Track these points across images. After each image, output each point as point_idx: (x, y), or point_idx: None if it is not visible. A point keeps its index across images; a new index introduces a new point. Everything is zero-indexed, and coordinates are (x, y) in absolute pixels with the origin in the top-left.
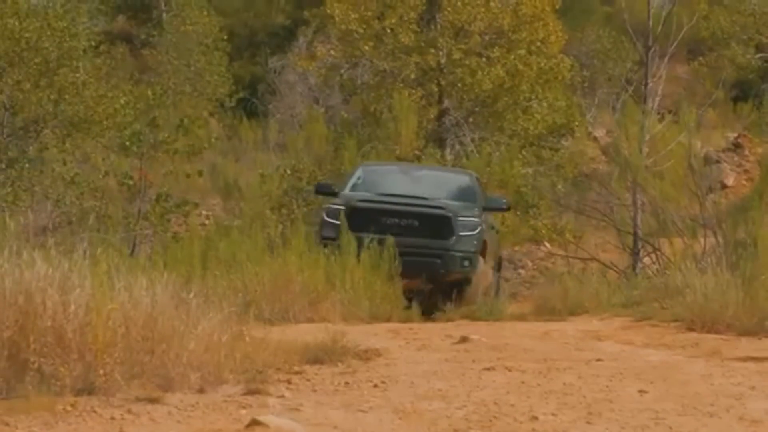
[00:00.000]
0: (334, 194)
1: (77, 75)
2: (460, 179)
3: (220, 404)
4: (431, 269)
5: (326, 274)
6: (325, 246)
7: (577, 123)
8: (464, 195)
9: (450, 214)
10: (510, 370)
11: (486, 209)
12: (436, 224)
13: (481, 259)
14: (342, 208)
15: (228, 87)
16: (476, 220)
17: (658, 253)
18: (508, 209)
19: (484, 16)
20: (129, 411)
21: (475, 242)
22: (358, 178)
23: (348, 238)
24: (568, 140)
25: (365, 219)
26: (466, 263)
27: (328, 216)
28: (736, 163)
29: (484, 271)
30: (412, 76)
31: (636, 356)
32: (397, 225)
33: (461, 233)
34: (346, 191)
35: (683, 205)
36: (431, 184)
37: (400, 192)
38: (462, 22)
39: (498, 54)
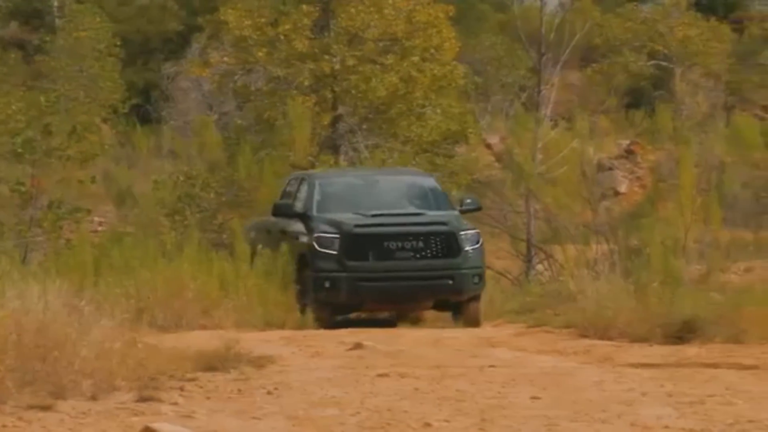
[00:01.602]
0: (298, 216)
1: None
2: (426, 183)
3: (112, 411)
4: (442, 291)
5: (220, 281)
6: (326, 281)
7: (471, 130)
8: (440, 201)
9: (454, 230)
10: (404, 377)
11: (461, 212)
12: (442, 242)
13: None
14: (336, 236)
15: (121, 93)
16: (477, 231)
17: (552, 259)
18: (480, 209)
19: (378, 23)
20: (20, 418)
21: (482, 256)
22: (319, 195)
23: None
24: (462, 147)
25: (366, 245)
26: (477, 280)
27: (320, 246)
28: (629, 170)
29: None
30: (306, 82)
31: (529, 363)
32: (401, 248)
33: (467, 248)
34: (314, 212)
35: (576, 211)
36: (403, 193)
37: (382, 207)
38: (356, 29)
39: (392, 61)
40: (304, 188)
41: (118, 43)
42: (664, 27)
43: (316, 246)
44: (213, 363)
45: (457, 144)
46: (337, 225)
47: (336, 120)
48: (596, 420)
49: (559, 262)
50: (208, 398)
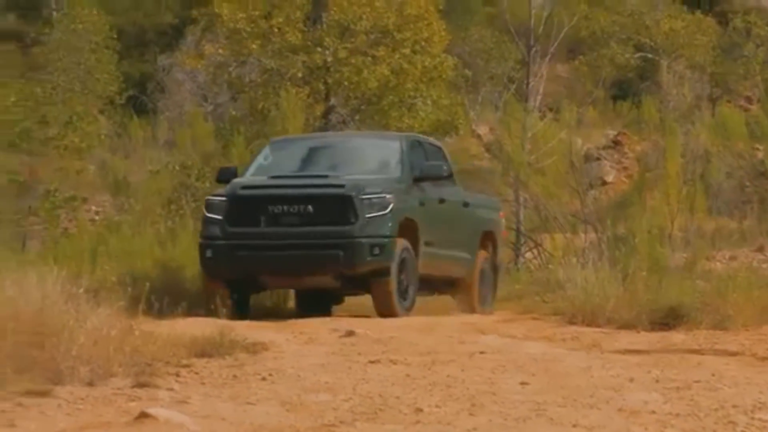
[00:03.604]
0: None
1: None
2: (387, 146)
3: (109, 397)
4: (332, 264)
5: None
6: (208, 249)
7: (460, 121)
8: (386, 166)
9: (350, 193)
10: (395, 363)
11: (419, 180)
12: (334, 207)
13: (403, 244)
14: (224, 199)
15: (117, 85)
16: (385, 196)
17: (540, 248)
18: (450, 176)
19: (369, 16)
20: (19, 404)
21: (389, 224)
22: (265, 158)
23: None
24: (452, 137)
25: (250, 210)
26: (377, 251)
27: (208, 211)
28: (616, 160)
29: (444, 258)
30: (299, 74)
31: (518, 349)
32: (288, 213)
33: (367, 215)
34: (247, 176)
35: (564, 201)
36: (348, 156)
37: (305, 171)
38: (348, 22)
39: (383, 53)
40: (259, 151)
41: (114, 35)
42: (650, 20)
43: (205, 211)
44: (208, 349)
45: (447, 134)
46: (229, 188)
47: (328, 111)
48: (584, 405)
49: (548, 251)
50: (204, 384)
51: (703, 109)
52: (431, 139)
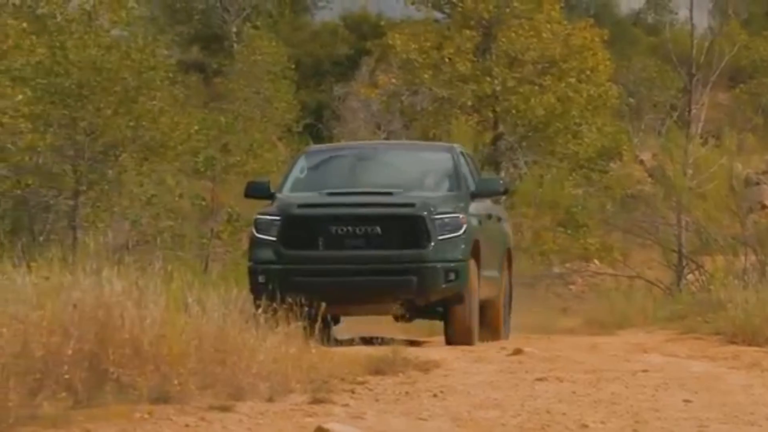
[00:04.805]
0: (271, 197)
1: (154, 103)
2: (439, 158)
3: (287, 412)
4: (403, 291)
5: None
6: (259, 274)
7: (624, 147)
8: (446, 181)
9: (422, 213)
10: (561, 381)
11: (476, 196)
12: (405, 229)
13: (473, 265)
14: (276, 218)
15: (295, 113)
16: (458, 216)
17: (701, 270)
18: (506, 192)
19: (537, 47)
20: (202, 419)
21: (463, 247)
22: (301, 171)
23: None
24: (616, 163)
25: (308, 231)
26: (452, 277)
27: (258, 231)
28: None
29: (487, 279)
30: (469, 102)
31: (680, 367)
32: (352, 234)
33: (440, 237)
34: (285, 192)
35: (725, 224)
36: (397, 169)
37: (356, 186)
38: (516, 52)
39: (550, 82)
40: (292, 163)
41: (292, 66)
42: None
43: (254, 231)
44: (381, 367)
45: (611, 160)
46: (282, 205)
47: (497, 138)
48: (745, 422)
49: (709, 272)
50: (377, 400)
51: None
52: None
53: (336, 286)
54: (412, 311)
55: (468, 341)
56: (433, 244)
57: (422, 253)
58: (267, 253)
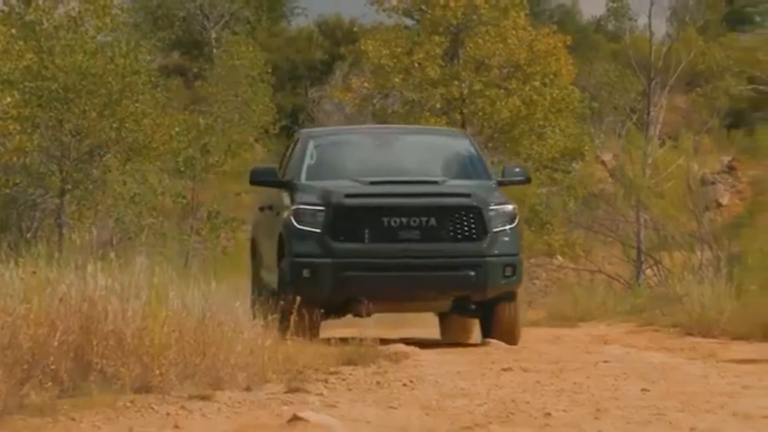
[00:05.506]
0: (283, 185)
1: (137, 106)
2: (457, 144)
3: (264, 401)
4: (461, 287)
5: None
6: (304, 269)
7: (586, 148)
8: (473, 168)
9: (480, 204)
10: (526, 371)
11: (501, 184)
12: (461, 220)
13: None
14: (320, 208)
15: (272, 115)
16: (513, 207)
17: (660, 265)
18: (529, 181)
19: (503, 52)
20: (183, 407)
21: (518, 240)
22: (311, 157)
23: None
24: (578, 163)
25: (358, 222)
26: (509, 272)
27: (300, 222)
28: (730, 184)
29: None
30: (438, 105)
31: (639, 358)
32: (406, 226)
33: (497, 229)
34: (303, 179)
35: (682, 221)
36: (424, 156)
37: (383, 174)
38: (482, 57)
39: (515, 86)
40: (296, 149)
41: (269, 70)
42: (763, 54)
43: (294, 222)
44: (354, 358)
45: (574, 161)
46: (324, 194)
47: None
48: (701, 410)
49: (667, 268)
50: (350, 390)
51: None
52: None
53: (390, 281)
54: (465, 309)
55: (513, 341)
56: (489, 236)
57: (480, 246)
58: (311, 247)
